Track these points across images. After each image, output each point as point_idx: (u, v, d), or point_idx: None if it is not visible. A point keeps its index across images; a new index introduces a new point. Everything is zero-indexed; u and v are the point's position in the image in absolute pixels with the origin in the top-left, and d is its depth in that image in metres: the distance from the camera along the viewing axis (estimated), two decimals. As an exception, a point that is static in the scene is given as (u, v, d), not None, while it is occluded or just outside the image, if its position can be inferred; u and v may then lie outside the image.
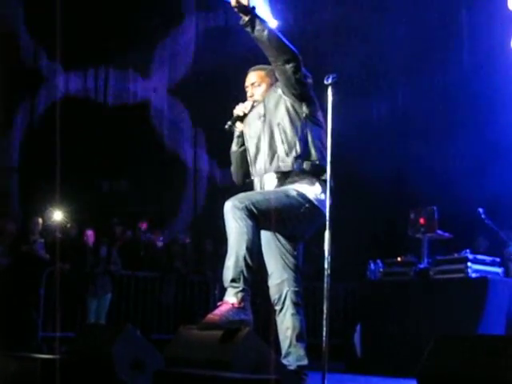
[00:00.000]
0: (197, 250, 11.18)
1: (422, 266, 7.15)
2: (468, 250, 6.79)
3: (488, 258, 6.99)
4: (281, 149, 4.17)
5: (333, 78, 4.13)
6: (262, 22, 4.07)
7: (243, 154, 4.46)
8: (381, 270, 7.46)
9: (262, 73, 4.43)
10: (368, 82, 9.91)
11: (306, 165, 4.12)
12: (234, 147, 4.51)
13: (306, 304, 4.34)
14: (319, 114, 4.28)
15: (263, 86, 4.40)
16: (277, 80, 4.29)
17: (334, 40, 9.99)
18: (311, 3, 10.65)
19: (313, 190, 4.13)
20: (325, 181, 4.09)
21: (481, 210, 7.12)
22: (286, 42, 4.09)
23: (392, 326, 6.99)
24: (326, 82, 4.15)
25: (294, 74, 4.11)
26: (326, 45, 10.03)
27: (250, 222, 3.91)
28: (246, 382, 3.39)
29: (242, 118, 4.40)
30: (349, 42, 9.93)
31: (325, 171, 4.10)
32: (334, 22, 10.16)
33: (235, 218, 3.91)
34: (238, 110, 4.39)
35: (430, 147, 9.08)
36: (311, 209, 4.10)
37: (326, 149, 4.14)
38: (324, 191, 4.11)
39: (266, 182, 4.24)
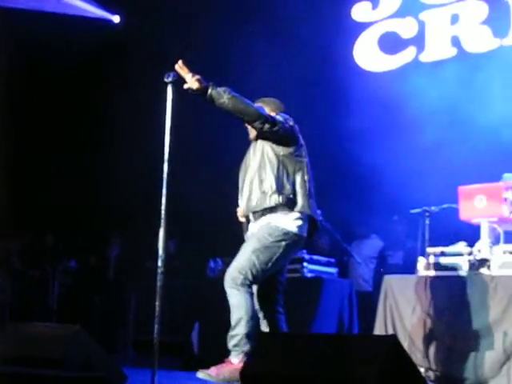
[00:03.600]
0: (36, 243, 10.86)
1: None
2: (305, 251, 6.97)
3: (323, 259, 7.23)
4: (258, 188, 4.56)
5: (173, 76, 4.18)
6: (221, 94, 4.31)
7: None
8: (220, 268, 7.54)
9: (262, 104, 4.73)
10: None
11: (280, 199, 4.48)
12: None
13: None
14: (298, 151, 4.63)
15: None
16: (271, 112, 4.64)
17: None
18: None
19: (286, 221, 4.49)
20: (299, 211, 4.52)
21: (319, 211, 7.33)
22: (248, 104, 4.41)
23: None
24: (165, 80, 4.18)
25: (262, 129, 4.46)
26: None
27: (248, 292, 4.46)
28: (74, 380, 3.35)
29: None
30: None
31: (296, 203, 4.51)
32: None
33: (234, 293, 4.46)
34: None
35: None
36: (289, 239, 4.51)
37: (305, 181, 4.58)
38: (299, 218, 4.50)
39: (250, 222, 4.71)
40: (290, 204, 4.50)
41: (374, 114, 8.52)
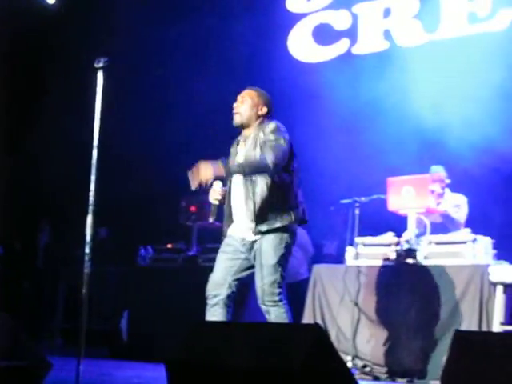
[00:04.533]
0: None
1: (190, 253, 7.28)
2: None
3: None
4: (269, 204, 4.58)
5: (104, 62, 4.12)
6: (239, 167, 4.55)
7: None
8: (150, 255, 7.52)
9: (252, 92, 4.79)
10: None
11: (293, 217, 4.59)
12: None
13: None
14: (297, 163, 4.70)
15: (246, 103, 4.74)
16: (262, 104, 4.74)
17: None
18: None
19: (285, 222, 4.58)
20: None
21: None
22: (259, 164, 4.50)
23: (158, 312, 7.06)
24: (96, 65, 4.12)
25: (278, 173, 4.56)
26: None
27: (287, 304, 4.57)
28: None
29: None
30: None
31: (293, 208, 4.62)
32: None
33: (276, 310, 4.52)
34: (213, 199, 4.79)
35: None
36: (290, 238, 4.63)
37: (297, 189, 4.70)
38: (293, 218, 4.60)
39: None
40: (298, 219, 4.67)
41: (306, 104, 8.59)
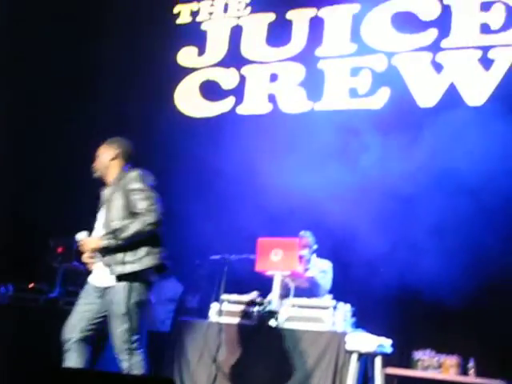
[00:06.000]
0: None
1: (52, 295, 7.11)
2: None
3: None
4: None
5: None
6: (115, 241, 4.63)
7: None
8: (10, 293, 7.28)
9: (106, 146, 4.98)
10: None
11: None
12: None
13: None
14: None
15: (102, 158, 4.94)
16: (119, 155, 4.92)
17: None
18: None
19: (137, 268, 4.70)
20: None
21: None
22: (134, 233, 4.60)
23: (12, 353, 6.82)
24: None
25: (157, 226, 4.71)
26: None
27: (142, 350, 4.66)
28: None
29: None
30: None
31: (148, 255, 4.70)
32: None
33: (133, 358, 4.59)
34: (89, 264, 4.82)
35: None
36: (144, 283, 4.75)
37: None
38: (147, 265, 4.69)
39: None
40: (154, 267, 4.77)
41: (185, 159, 8.61)
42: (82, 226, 4.93)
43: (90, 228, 4.92)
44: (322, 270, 6.94)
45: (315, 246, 7.05)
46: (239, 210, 7.80)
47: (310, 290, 6.65)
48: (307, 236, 7.03)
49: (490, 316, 6.68)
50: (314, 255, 7.03)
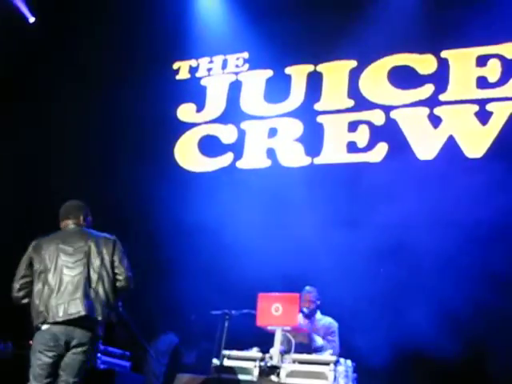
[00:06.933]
0: None
1: None
2: (100, 341, 6.81)
3: (118, 351, 7.11)
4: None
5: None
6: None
7: None
8: (9, 351, 7.21)
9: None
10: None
11: None
12: None
13: None
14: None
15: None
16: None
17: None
18: None
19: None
20: None
21: (120, 303, 7.23)
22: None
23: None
24: None
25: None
26: None
27: None
28: None
29: None
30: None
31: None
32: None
33: None
34: None
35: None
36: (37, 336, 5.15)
37: None
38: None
39: None
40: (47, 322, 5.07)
41: (182, 213, 8.60)
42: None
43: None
44: (332, 331, 6.86)
45: (318, 302, 7.00)
46: (238, 265, 7.79)
47: (309, 345, 6.59)
48: (311, 291, 6.98)
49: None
50: (318, 312, 6.98)
